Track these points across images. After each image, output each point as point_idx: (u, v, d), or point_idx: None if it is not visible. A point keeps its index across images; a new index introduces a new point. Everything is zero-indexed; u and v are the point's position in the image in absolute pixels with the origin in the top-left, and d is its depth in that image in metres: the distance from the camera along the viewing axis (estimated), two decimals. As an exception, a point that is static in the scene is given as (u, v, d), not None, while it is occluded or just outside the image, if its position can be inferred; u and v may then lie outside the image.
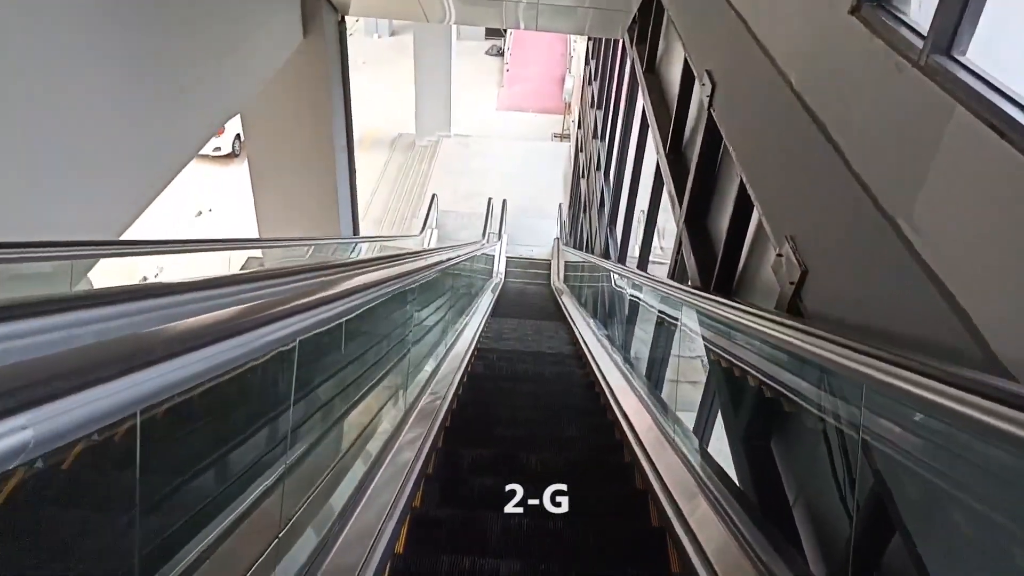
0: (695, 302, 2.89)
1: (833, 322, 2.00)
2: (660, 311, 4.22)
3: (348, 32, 24.00)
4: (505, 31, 26.58)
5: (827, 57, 2.21)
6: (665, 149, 4.70)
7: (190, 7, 4.39)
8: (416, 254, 5.53)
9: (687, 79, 4.41)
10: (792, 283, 2.20)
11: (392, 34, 26.55)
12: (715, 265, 3.49)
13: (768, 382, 2.31)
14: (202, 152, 17.86)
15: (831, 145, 2.06)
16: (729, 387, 2.89)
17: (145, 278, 14.82)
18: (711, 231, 3.77)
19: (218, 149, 17.19)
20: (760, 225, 2.96)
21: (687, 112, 4.53)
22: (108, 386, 0.80)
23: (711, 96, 3.47)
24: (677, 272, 4.13)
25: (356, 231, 8.47)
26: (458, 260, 6.37)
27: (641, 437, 3.71)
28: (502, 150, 19.60)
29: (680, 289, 3.22)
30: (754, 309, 2.19)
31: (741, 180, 2.95)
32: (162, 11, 4.11)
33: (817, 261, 2.11)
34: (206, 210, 16.14)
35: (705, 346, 3.14)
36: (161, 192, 4.48)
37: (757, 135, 2.78)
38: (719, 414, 3.39)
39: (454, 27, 19.62)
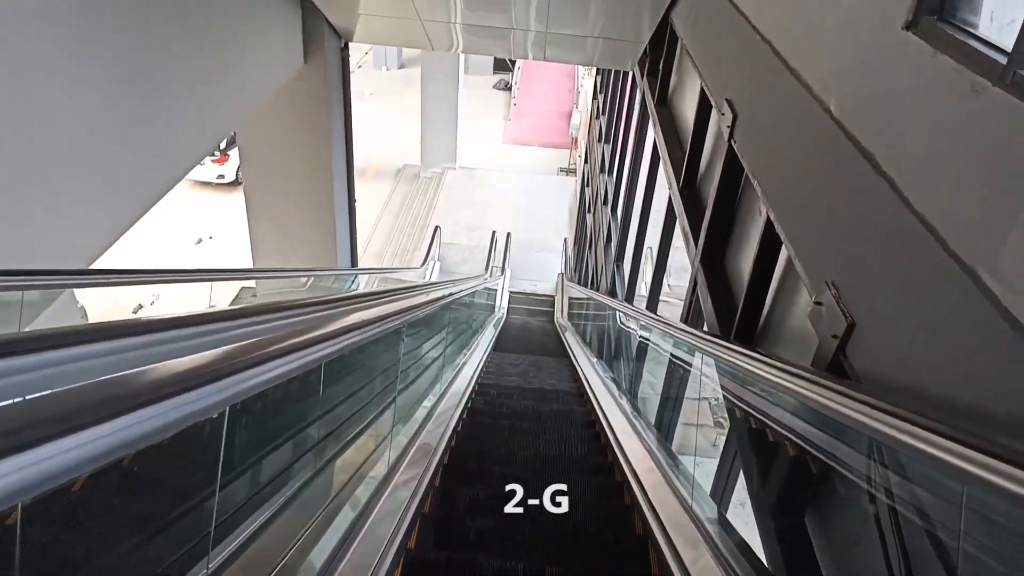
0: (716, 352, 2.58)
1: (887, 386, 1.70)
2: (673, 356, 3.92)
3: (357, 64, 24.02)
4: (513, 65, 26.70)
5: (876, 80, 1.94)
6: (679, 184, 4.43)
7: (180, 23, 4.18)
8: (412, 289, 5.26)
9: (703, 110, 4.16)
10: (835, 337, 1.90)
11: (401, 67, 26.68)
12: (736, 310, 3.19)
13: (805, 447, 2.00)
14: (205, 179, 17.81)
15: (883, 180, 1.77)
16: (755, 449, 2.57)
17: (140, 306, 14.58)
18: (730, 271, 3.48)
19: (221, 177, 17.09)
20: (789, 267, 2.67)
21: (702, 145, 4.27)
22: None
23: (732, 126, 3.21)
24: (692, 315, 3.83)
25: (354, 263, 8.21)
26: (458, 296, 6.10)
27: (660, 514, 3.39)
28: (507, 183, 19.46)
29: (697, 336, 2.92)
30: (791, 367, 1.89)
31: (768, 217, 2.67)
32: (150, 26, 3.90)
33: (867, 313, 1.81)
34: (206, 237, 15.95)
35: (725, 399, 2.83)
36: (143, 215, 4.21)
37: (788, 168, 2.51)
38: (739, 474, 3.06)
39: (462, 60, 19.63)
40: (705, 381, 3.54)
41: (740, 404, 2.65)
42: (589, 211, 13.09)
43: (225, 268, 8.21)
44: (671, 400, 4.07)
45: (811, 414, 1.90)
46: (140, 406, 0.91)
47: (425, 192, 18.76)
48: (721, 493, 3.06)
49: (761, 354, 2.19)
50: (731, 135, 3.22)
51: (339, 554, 2.14)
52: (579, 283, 12.99)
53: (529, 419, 5.23)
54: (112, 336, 1.44)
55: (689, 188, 4.37)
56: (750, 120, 3.03)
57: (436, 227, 15.04)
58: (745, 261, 3.29)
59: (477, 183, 19.35)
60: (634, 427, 4.08)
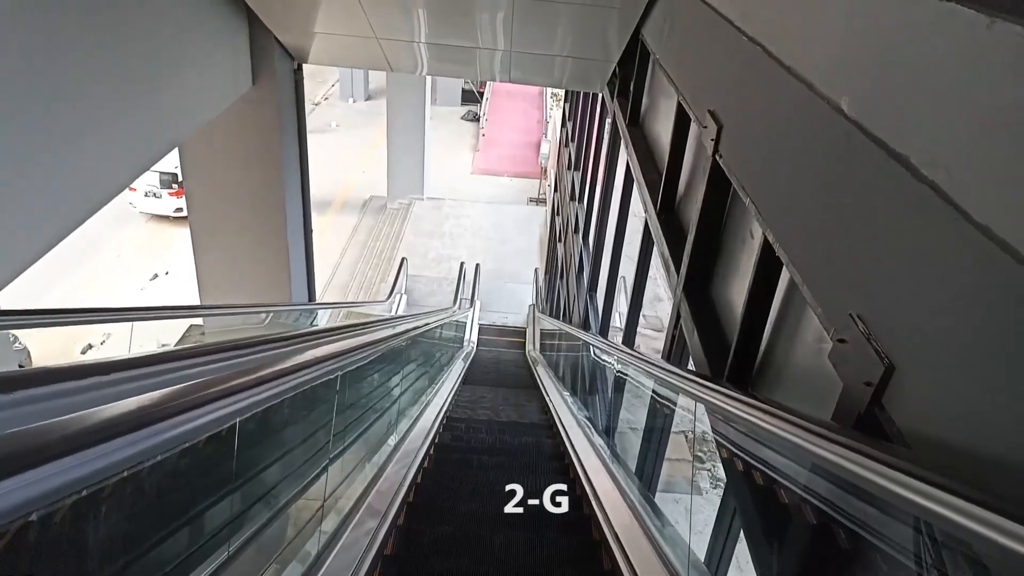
0: (712, 400, 2.19)
1: (943, 448, 1.32)
2: (647, 389, 3.53)
3: (323, 96, 23.74)
4: (481, 97, 26.60)
5: (906, 66, 1.58)
6: (655, 208, 4.09)
7: (107, 32, 3.74)
8: (365, 326, 4.83)
9: (680, 126, 3.83)
10: (868, 384, 1.51)
11: (368, 98, 26.42)
12: (728, 346, 2.81)
13: (833, 514, 1.60)
14: (163, 213, 17.20)
15: (925, 186, 1.41)
16: (761, 510, 2.16)
17: (90, 345, 13.84)
18: (718, 301, 3.11)
19: (179, 210, 16.49)
20: (791, 296, 2.30)
21: (681, 165, 3.94)
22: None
23: (716, 139, 2.86)
24: (675, 350, 3.44)
25: (311, 297, 7.73)
26: (423, 330, 5.67)
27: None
28: (476, 214, 19.13)
29: (690, 381, 2.52)
30: (813, 425, 1.49)
31: (764, 239, 2.30)
32: (77, 34, 3.47)
33: (912, 354, 1.43)
34: (162, 273, 15.31)
35: (719, 446, 2.43)
36: (57, 243, 3.70)
37: (790, 180, 2.14)
38: (738, 536, 2.66)
39: (428, 91, 19.39)
40: (682, 414, 3.20)
41: (740, 453, 2.25)
42: (560, 240, 12.77)
43: (174, 305, 7.69)
44: (646, 436, 3.68)
45: (840, 479, 1.50)
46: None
47: (392, 223, 18.34)
48: (720, 555, 2.65)
49: (771, 405, 1.80)
50: (715, 149, 2.87)
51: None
52: (551, 314, 12.60)
53: (500, 455, 4.86)
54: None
55: (667, 212, 4.02)
56: (738, 130, 2.68)
57: (403, 259, 14.59)
58: (735, 290, 2.92)
59: (445, 214, 19.00)
60: (620, 489, 3.66)
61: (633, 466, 3.94)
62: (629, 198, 5.84)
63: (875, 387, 1.49)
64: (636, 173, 4.77)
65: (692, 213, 3.63)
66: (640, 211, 6.23)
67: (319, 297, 14.06)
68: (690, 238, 3.26)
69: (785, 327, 2.35)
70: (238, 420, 1.59)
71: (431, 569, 3.12)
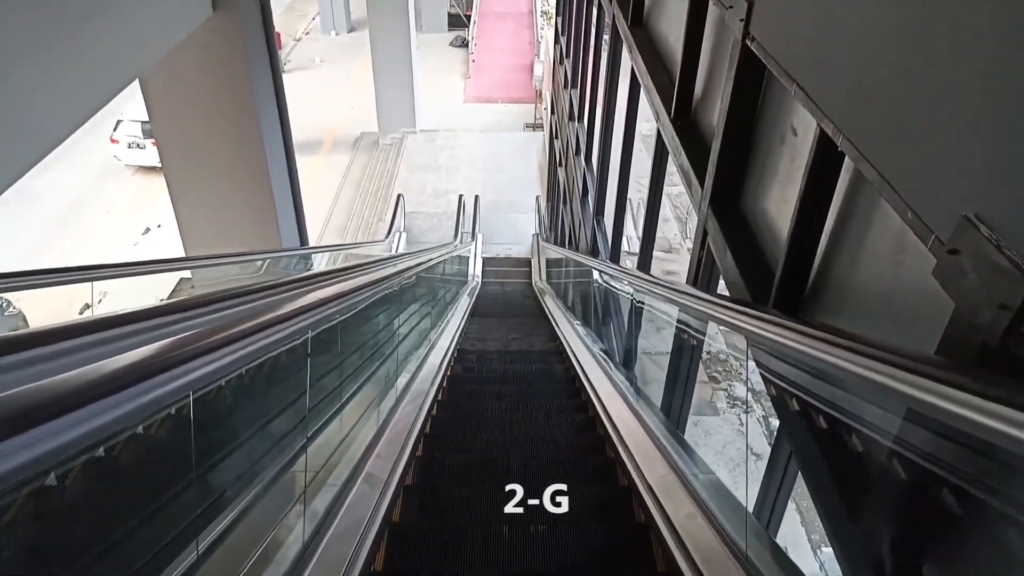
0: (764, 333, 1.80)
1: None
2: (683, 325, 3.16)
3: (304, 31, 22.76)
4: (468, 20, 25.44)
5: None
6: (670, 114, 3.62)
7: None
8: (359, 267, 4.47)
9: (696, 16, 3.33)
10: (1004, 308, 1.12)
11: (351, 30, 25.30)
12: (769, 267, 2.41)
13: (939, 471, 1.23)
14: (151, 164, 16.59)
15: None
16: (828, 458, 1.80)
17: (87, 305, 13.56)
18: (751, 215, 2.69)
19: (165, 160, 15.93)
20: (857, 198, 1.89)
21: (696, 62, 3.45)
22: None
23: (746, 19, 2.39)
24: (702, 274, 3.05)
25: (303, 240, 7.31)
26: (425, 266, 5.30)
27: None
28: (471, 144, 18.48)
29: (725, 308, 2.13)
30: (927, 365, 1.11)
31: (820, 132, 1.87)
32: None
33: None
34: (154, 226, 14.87)
35: (767, 382, 2.07)
36: (9, 186, 3.34)
37: (858, 51, 1.69)
38: (791, 488, 2.32)
39: (412, 18, 18.42)
40: (694, 335, 2.95)
41: (794, 390, 1.89)
42: (560, 165, 12.23)
43: (167, 258, 7.32)
44: (671, 372, 3.36)
45: (963, 432, 1.13)
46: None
47: (386, 160, 17.73)
48: (771, 509, 2.33)
49: (840, 335, 1.42)
50: (745, 31, 2.40)
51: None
52: (555, 242, 12.18)
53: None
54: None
55: (683, 118, 3.56)
56: (776, 2, 2.20)
57: (399, 196, 14.08)
58: (774, 198, 2.50)
59: (440, 146, 18.34)
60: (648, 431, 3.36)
61: (657, 400, 3.62)
62: (636, 108, 5.33)
63: (1016, 311, 1.10)
64: (644, 79, 4.27)
65: (714, 115, 3.18)
66: (647, 127, 5.74)
67: (316, 241, 13.65)
68: (715, 144, 2.81)
69: (847, 239, 1.94)
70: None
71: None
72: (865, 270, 1.84)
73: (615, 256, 6.36)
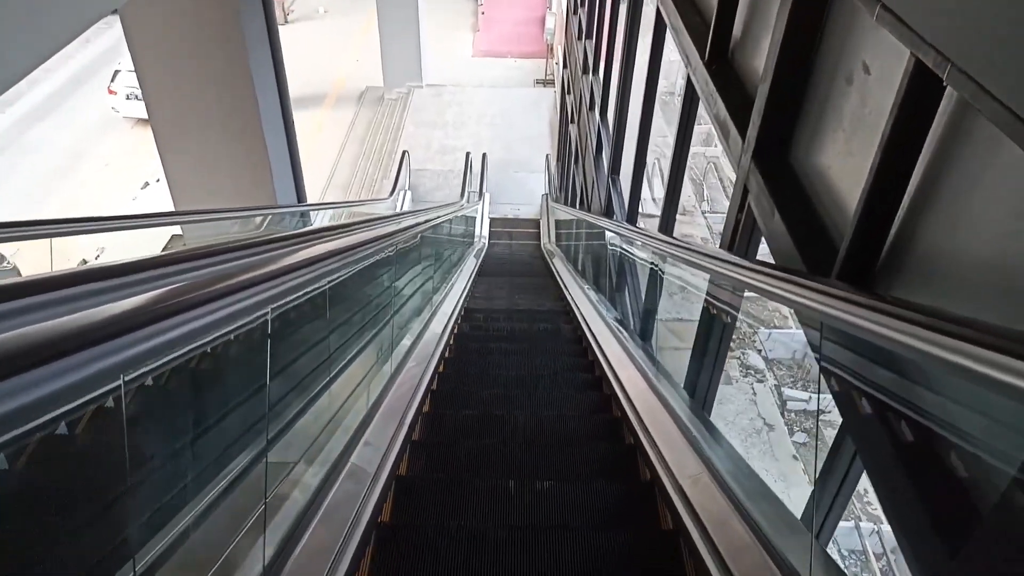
0: (834, 314, 1.45)
1: None
2: (713, 297, 2.82)
3: (308, -19, 21.78)
4: (478, -29, 24.55)
5: None
6: (703, 57, 3.21)
7: None
8: (361, 224, 4.17)
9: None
10: None
11: (356, -21, 24.45)
12: (828, 231, 2.05)
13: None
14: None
15: None
16: (910, 465, 1.46)
17: (84, 261, 13.29)
18: (804, 171, 2.32)
19: (164, 113, 15.48)
20: (960, 146, 1.51)
21: (736, -4, 3.03)
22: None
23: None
24: (740, 238, 2.68)
25: (301, 197, 6.94)
26: (427, 227, 4.96)
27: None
28: (480, 99, 17.91)
29: (781, 280, 1.78)
30: None
31: (914, 66, 1.49)
32: None
33: None
34: (153, 180, 14.50)
35: (830, 378, 1.74)
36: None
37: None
38: (852, 489, 2.00)
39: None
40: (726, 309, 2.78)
41: (861, 385, 1.56)
42: (572, 121, 11.74)
43: (161, 212, 7.00)
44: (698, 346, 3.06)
45: None
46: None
47: (391, 114, 17.21)
48: (828, 507, 2.01)
49: (955, 321, 1.07)
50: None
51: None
52: (565, 203, 11.77)
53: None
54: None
55: (719, 61, 3.15)
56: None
57: (404, 152, 13.62)
58: (833, 151, 2.12)
59: (447, 101, 17.79)
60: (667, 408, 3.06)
61: (677, 376, 3.30)
62: (660, 55, 4.89)
63: None
64: (672, 18, 3.84)
65: (757, 57, 2.78)
66: (660, 85, 5.32)
67: (318, 198, 13.26)
68: (762, 88, 2.42)
69: (941, 198, 1.57)
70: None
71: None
72: (968, 237, 1.48)
73: (632, 218, 5.98)
